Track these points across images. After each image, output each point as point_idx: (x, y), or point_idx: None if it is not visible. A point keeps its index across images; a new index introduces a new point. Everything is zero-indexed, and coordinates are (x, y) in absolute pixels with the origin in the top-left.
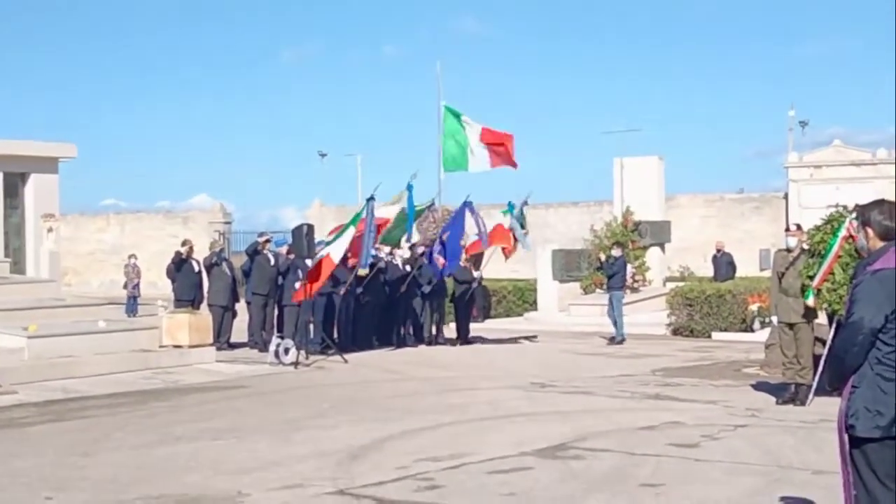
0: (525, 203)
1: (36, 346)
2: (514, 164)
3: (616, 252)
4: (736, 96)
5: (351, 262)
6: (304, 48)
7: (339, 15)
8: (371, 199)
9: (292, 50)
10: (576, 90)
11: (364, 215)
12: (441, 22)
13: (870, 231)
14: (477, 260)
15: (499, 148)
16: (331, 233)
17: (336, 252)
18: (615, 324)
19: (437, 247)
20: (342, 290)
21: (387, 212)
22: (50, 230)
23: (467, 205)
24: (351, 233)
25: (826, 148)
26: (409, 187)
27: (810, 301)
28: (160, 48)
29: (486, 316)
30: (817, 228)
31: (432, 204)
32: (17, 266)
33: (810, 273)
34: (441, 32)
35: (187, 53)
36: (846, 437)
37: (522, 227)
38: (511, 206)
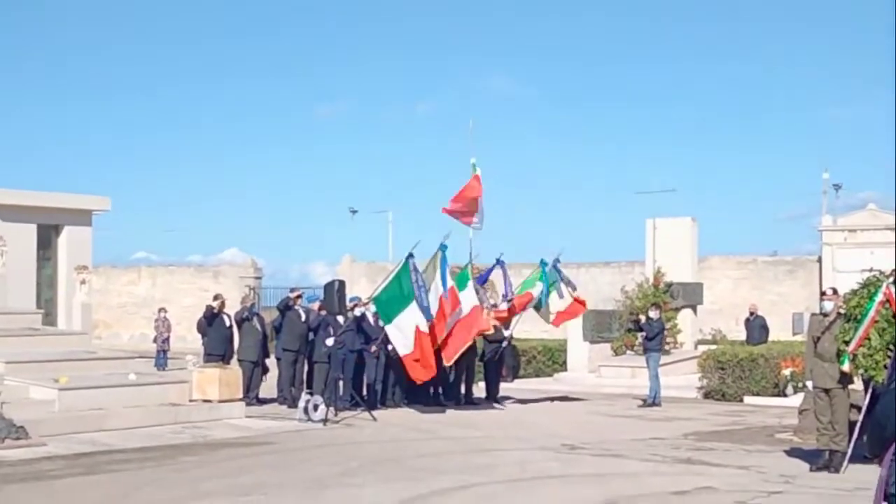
0: (557, 261)
1: (66, 399)
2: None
3: (654, 313)
4: (770, 159)
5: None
6: (338, 105)
7: (372, 73)
8: (411, 255)
9: (325, 106)
10: (610, 150)
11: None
12: (473, 82)
13: None
14: (507, 318)
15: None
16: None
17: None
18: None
19: None
20: (373, 347)
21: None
22: (83, 282)
23: (500, 263)
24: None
25: (860, 211)
26: (443, 248)
27: (846, 366)
28: (192, 102)
29: (516, 376)
30: (853, 293)
31: (468, 265)
32: (49, 318)
33: (846, 338)
34: (473, 92)
35: (220, 108)
36: None
37: (565, 282)
38: (543, 264)
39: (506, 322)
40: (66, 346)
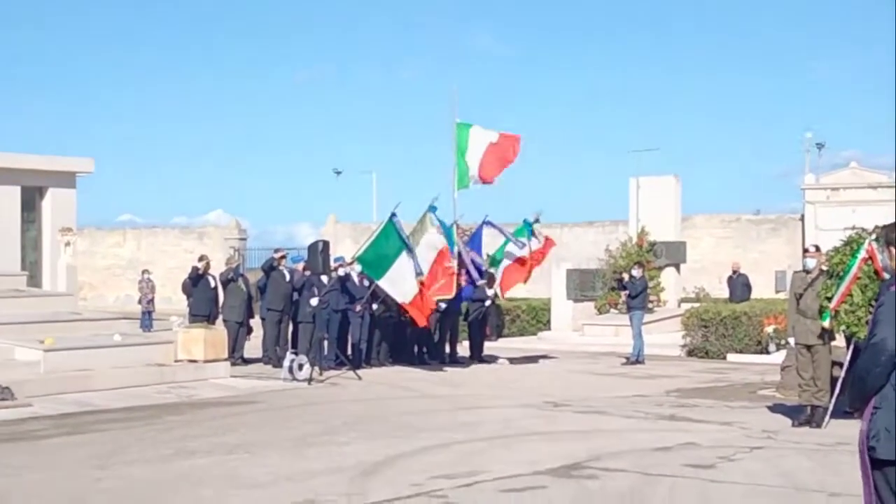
0: (536, 220)
1: (52, 360)
2: (509, 161)
3: (637, 272)
4: (753, 118)
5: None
6: (321, 66)
7: (356, 33)
8: (394, 215)
9: (308, 67)
10: (592, 109)
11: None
12: (457, 39)
13: (893, 251)
14: (490, 279)
15: (503, 154)
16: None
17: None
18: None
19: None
20: (357, 307)
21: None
22: (67, 244)
23: (487, 223)
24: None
25: (843, 170)
26: (432, 209)
27: (828, 323)
28: (176, 64)
29: (500, 335)
30: (836, 250)
31: (455, 226)
32: (34, 280)
33: (828, 294)
34: (456, 50)
35: (204, 69)
36: (867, 458)
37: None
38: (527, 224)
39: (491, 281)
40: (51, 308)
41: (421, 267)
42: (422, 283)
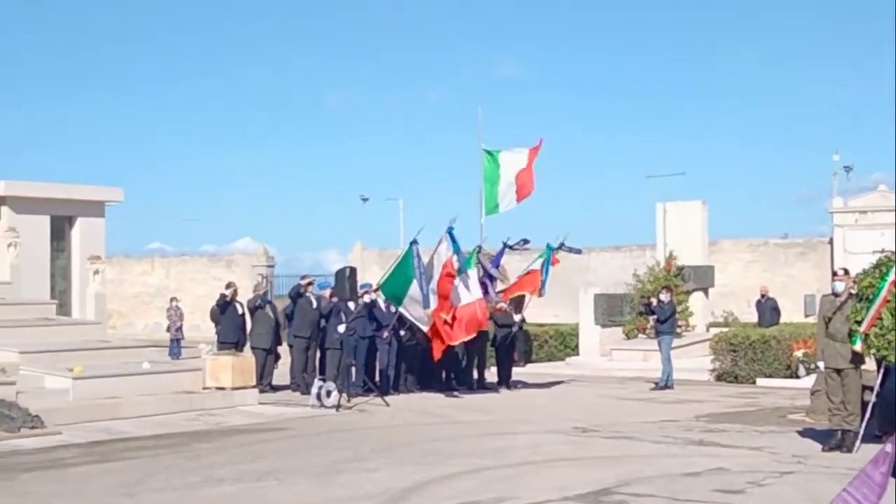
0: (562, 245)
1: (81, 388)
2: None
3: (665, 296)
4: (780, 141)
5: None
6: (347, 93)
7: (381, 61)
8: (414, 242)
9: (334, 95)
10: (619, 134)
11: (416, 262)
12: (482, 68)
13: None
14: (518, 304)
15: (528, 173)
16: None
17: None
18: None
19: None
20: (384, 333)
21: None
22: (96, 272)
23: (507, 247)
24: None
25: (871, 193)
26: (450, 230)
27: (858, 346)
28: (203, 93)
29: (528, 360)
30: (865, 273)
31: (479, 249)
32: (64, 308)
33: (858, 318)
34: (482, 78)
35: (230, 99)
36: None
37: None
38: (549, 248)
39: (518, 306)
40: (80, 336)
41: (430, 300)
42: (436, 315)
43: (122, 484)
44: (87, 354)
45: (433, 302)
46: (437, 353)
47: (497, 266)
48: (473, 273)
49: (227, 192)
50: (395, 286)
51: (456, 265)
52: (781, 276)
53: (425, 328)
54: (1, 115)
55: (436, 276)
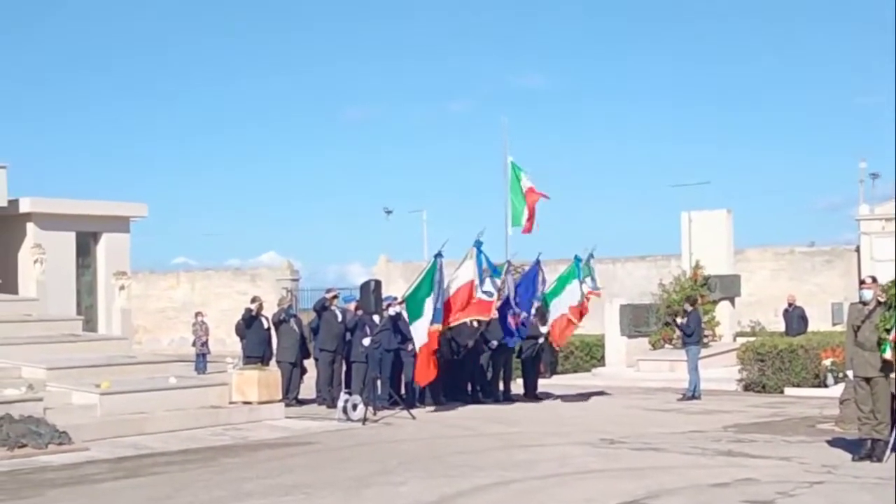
0: (591, 257)
1: (108, 403)
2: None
3: (688, 307)
4: (806, 149)
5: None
6: (370, 105)
7: (404, 72)
8: (439, 255)
9: (358, 107)
10: (644, 143)
11: (438, 273)
12: (506, 79)
13: None
14: (543, 316)
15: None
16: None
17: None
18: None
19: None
20: (410, 346)
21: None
22: (121, 288)
23: (539, 263)
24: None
25: None
26: (478, 244)
27: (887, 354)
28: (225, 107)
29: (554, 372)
30: (894, 281)
31: (508, 265)
32: (90, 324)
33: (887, 326)
34: (505, 88)
35: (254, 112)
36: None
37: (592, 278)
38: (577, 260)
39: (544, 318)
40: (106, 352)
41: (439, 315)
42: (432, 335)
43: (152, 498)
44: (113, 370)
45: (439, 317)
46: (420, 378)
47: (531, 285)
48: (498, 280)
49: (251, 207)
50: (415, 303)
51: (480, 288)
52: (808, 284)
53: (417, 346)
54: (26, 132)
55: (451, 292)
